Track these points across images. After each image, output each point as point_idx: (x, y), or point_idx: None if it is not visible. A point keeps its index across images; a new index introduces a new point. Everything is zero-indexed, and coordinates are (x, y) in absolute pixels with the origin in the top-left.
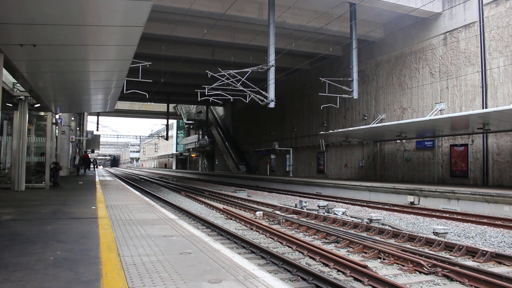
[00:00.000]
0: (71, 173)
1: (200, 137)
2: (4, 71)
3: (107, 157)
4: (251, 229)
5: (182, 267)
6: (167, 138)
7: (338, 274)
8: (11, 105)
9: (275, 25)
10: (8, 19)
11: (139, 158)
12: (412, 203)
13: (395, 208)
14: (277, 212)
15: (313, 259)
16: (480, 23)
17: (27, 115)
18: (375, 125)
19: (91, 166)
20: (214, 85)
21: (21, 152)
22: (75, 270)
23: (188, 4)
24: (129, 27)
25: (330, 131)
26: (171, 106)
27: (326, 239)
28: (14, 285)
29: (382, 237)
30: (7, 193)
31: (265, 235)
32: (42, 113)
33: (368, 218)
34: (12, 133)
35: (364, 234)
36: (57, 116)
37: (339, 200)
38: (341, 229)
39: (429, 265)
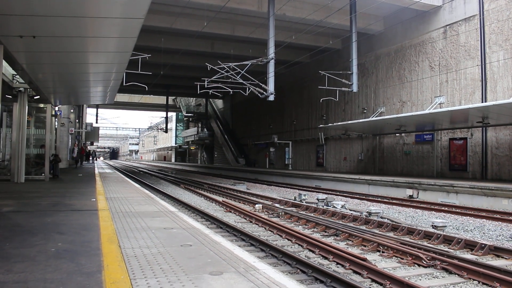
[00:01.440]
0: (70, 165)
1: (199, 130)
2: (4, 63)
3: (106, 150)
4: (251, 222)
5: (183, 259)
6: (166, 131)
7: (338, 267)
8: (10, 97)
9: (275, 18)
10: (8, 10)
11: (138, 151)
12: (411, 196)
13: (394, 201)
14: (276, 205)
15: (313, 252)
16: (480, 16)
17: (27, 107)
18: (374, 118)
19: (90, 158)
20: (214, 77)
21: (20, 144)
22: (77, 261)
23: None
24: (129, 19)
25: (330, 124)
26: (171, 98)
27: (325, 232)
28: (16, 276)
29: (381, 230)
30: (7, 185)
31: (265, 228)
32: (41, 105)
33: (367, 211)
34: (11, 125)
35: (363, 227)
36: (56, 108)
37: (338, 193)
38: (340, 222)
39: (428, 258)
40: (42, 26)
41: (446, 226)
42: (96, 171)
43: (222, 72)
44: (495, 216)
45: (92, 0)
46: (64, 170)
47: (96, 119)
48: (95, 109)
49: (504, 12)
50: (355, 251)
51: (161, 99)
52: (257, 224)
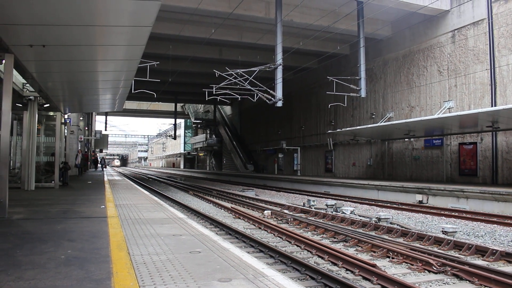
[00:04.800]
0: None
1: (208, 136)
2: (14, 72)
3: (115, 157)
4: (260, 228)
5: (192, 266)
6: (175, 138)
7: (347, 273)
8: (20, 105)
9: (282, 24)
10: (18, 20)
11: (147, 158)
12: (420, 201)
13: (403, 207)
14: (285, 211)
15: (322, 258)
16: (488, 20)
17: (37, 115)
18: (383, 123)
19: (99, 165)
20: (222, 84)
21: (30, 152)
22: (86, 268)
23: (195, 3)
24: (137, 27)
25: (338, 130)
26: (179, 105)
27: (335, 238)
28: (26, 284)
29: (391, 236)
30: (17, 192)
31: (274, 234)
32: (51, 113)
33: (377, 217)
34: (22, 133)
35: (373, 233)
36: (66, 116)
37: (347, 199)
38: (350, 228)
39: (438, 264)
40: (52, 35)
41: (456, 231)
42: (105, 178)
43: (230, 78)
44: (506, 221)
45: (101, 9)
46: (73, 177)
47: (105, 127)
48: (104, 117)
49: None
50: (365, 257)
51: (169, 106)
52: (266, 231)
